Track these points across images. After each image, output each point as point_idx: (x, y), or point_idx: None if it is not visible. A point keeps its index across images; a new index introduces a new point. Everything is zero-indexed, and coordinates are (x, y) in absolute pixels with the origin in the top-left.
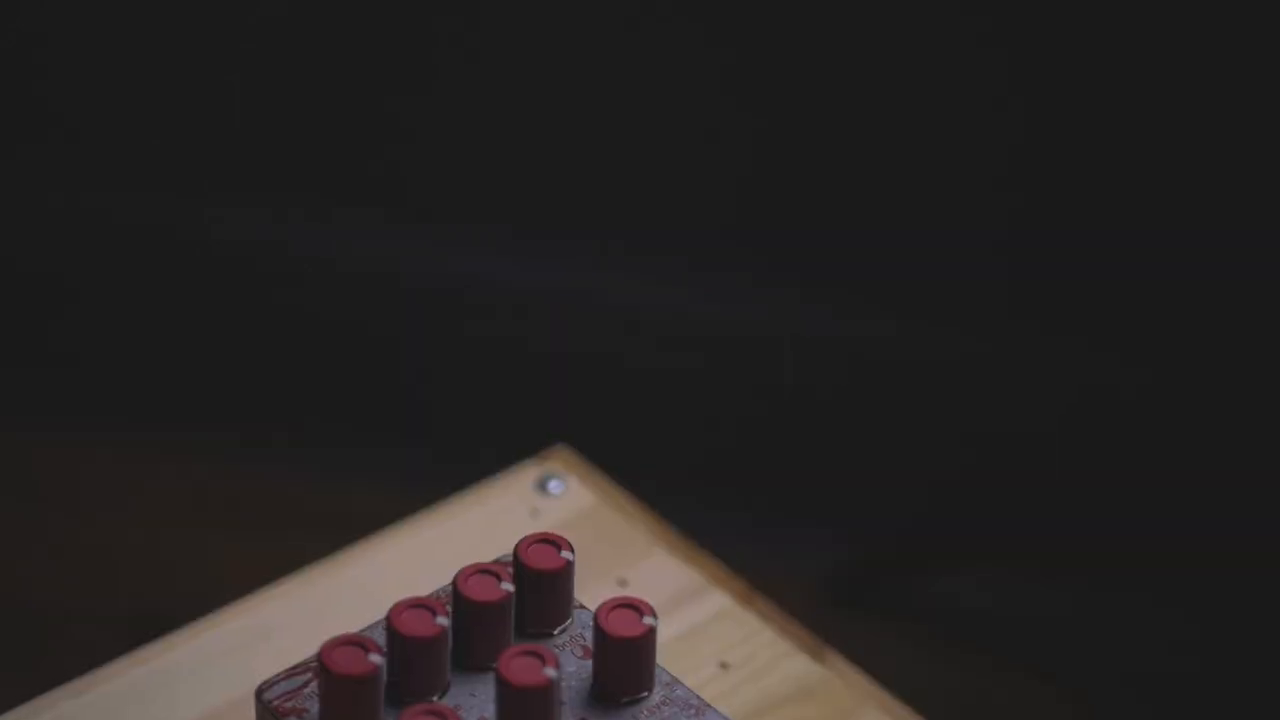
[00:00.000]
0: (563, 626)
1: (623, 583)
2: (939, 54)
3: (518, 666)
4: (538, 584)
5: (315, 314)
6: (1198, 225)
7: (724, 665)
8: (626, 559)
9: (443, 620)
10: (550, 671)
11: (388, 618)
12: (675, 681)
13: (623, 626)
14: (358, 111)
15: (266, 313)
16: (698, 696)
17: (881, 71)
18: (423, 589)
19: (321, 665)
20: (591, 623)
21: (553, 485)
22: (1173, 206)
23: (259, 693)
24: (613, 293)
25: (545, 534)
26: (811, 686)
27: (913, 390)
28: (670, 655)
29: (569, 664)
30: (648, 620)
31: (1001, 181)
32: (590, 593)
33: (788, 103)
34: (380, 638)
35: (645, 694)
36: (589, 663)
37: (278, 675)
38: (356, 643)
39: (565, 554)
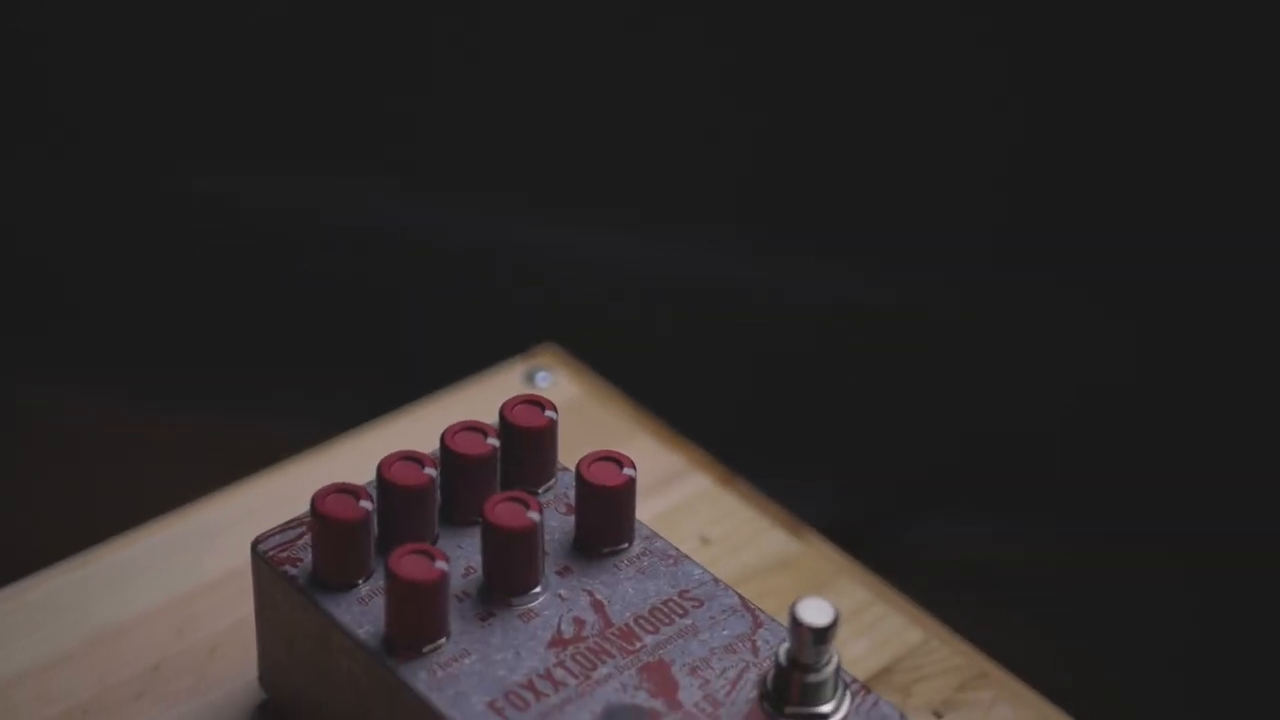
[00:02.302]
0: (547, 486)
1: None
2: (939, 54)
3: (502, 511)
4: (522, 441)
5: (312, 274)
6: (1198, 225)
7: (705, 540)
8: (611, 445)
9: (431, 471)
10: (534, 515)
11: (378, 469)
12: (654, 535)
13: (604, 476)
14: (355, 110)
15: (263, 275)
16: (675, 548)
17: (881, 71)
18: None
19: (313, 510)
20: (574, 481)
21: (540, 377)
22: (1173, 206)
23: (254, 545)
24: (609, 284)
25: (530, 395)
26: (789, 559)
27: (910, 386)
28: None
29: (552, 520)
30: (627, 471)
31: (1001, 181)
32: None
33: (788, 103)
34: (372, 492)
35: (625, 545)
36: (572, 519)
37: (272, 529)
38: (348, 490)
39: (549, 414)
